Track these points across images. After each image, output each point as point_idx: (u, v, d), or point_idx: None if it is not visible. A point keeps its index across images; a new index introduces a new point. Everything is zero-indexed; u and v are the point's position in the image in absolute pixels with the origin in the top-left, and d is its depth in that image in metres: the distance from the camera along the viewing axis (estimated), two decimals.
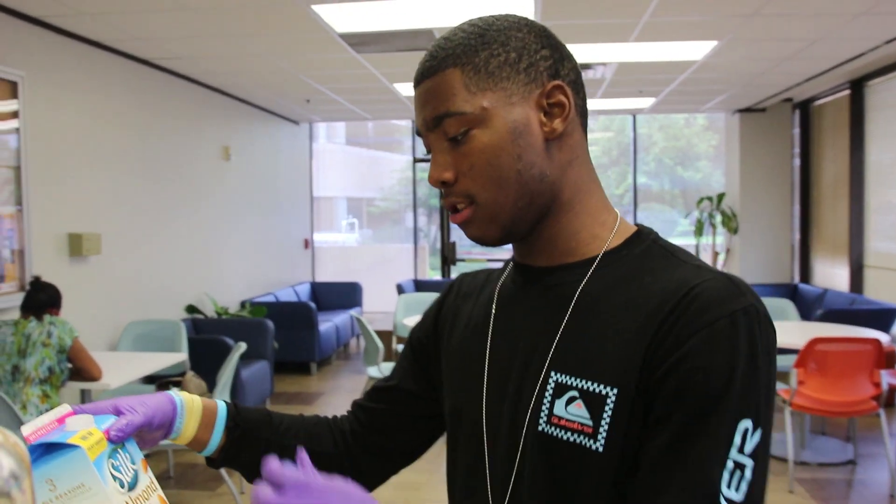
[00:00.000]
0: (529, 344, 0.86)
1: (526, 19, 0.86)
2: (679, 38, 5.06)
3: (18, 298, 3.76)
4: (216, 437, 0.94)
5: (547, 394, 0.81)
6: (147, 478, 0.80)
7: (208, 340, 5.33)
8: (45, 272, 4.07)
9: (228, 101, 7.04)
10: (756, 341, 0.73)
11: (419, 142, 0.92)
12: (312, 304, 7.36)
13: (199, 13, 4.29)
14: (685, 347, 0.73)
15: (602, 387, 0.77)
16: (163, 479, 4.46)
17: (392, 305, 7.31)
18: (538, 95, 0.82)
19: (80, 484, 0.71)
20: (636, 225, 0.89)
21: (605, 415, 0.76)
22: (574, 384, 0.79)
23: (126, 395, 4.30)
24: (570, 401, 0.79)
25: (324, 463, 1.02)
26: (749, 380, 0.72)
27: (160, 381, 4.14)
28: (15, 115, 4.06)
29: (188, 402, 0.92)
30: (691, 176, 13.20)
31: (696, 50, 5.36)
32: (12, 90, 4.04)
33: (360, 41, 5.00)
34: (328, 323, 7.77)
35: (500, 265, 1.01)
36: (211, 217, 6.67)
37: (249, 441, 0.96)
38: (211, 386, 4.26)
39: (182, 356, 4.44)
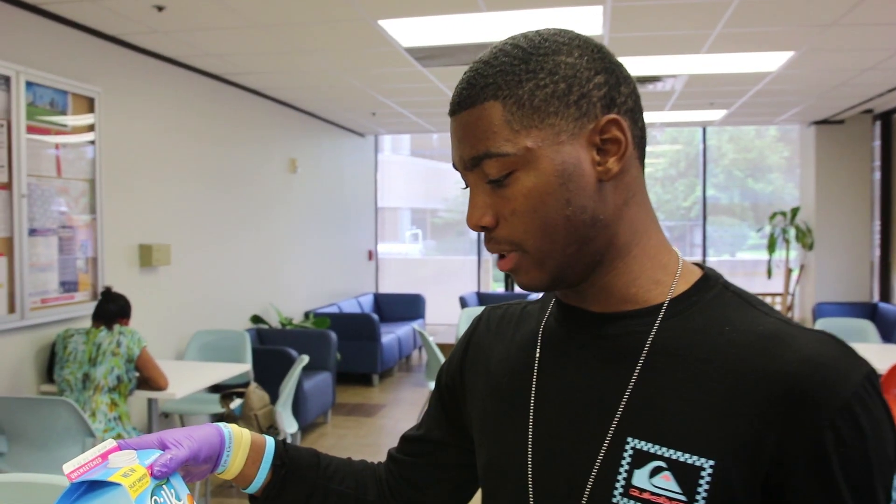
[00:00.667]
0: (590, 399, 0.77)
1: (579, 38, 0.76)
2: (753, 50, 4.90)
3: (90, 307, 3.86)
4: (262, 474, 0.91)
5: (624, 462, 0.73)
6: None
7: (272, 351, 5.40)
8: (116, 282, 4.19)
9: (296, 115, 7.15)
10: (884, 401, 0.69)
11: None
12: (375, 316, 7.40)
13: (269, 30, 4.36)
14: (828, 430, 0.66)
15: (695, 458, 0.69)
16: (225, 487, 4.51)
17: (455, 317, 7.29)
18: (590, 132, 0.73)
19: None
20: (698, 265, 0.81)
21: (700, 489, 0.68)
22: (659, 453, 0.71)
23: (191, 403, 4.35)
24: (656, 472, 0.70)
25: None
26: (893, 435, 0.69)
27: (224, 391, 4.19)
28: (91, 128, 4.20)
29: (237, 436, 0.89)
30: (762, 188, 12.82)
31: (770, 61, 5.18)
32: (89, 105, 4.18)
33: (426, 55, 5.01)
34: (391, 335, 7.79)
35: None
36: (277, 228, 6.77)
37: (295, 481, 0.93)
38: (273, 398, 4.30)
39: (246, 367, 4.50)
